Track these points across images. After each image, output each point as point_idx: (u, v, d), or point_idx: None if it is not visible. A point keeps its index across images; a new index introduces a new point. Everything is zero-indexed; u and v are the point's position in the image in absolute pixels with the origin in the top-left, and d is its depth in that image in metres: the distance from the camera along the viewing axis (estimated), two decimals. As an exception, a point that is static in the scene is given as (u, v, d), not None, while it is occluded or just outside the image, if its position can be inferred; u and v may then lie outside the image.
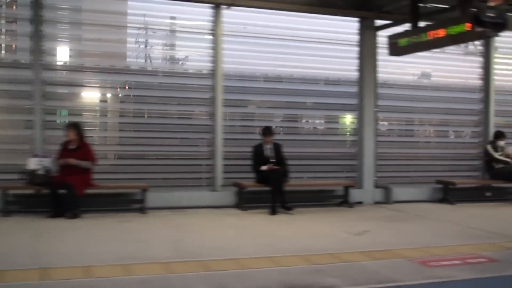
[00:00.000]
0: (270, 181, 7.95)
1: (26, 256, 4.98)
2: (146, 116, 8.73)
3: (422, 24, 7.93)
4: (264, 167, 8.14)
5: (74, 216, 7.05)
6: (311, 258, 5.12)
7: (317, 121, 9.91)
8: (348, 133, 9.66)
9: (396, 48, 8.23)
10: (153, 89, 8.51)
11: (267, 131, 8.31)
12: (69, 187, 7.08)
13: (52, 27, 7.91)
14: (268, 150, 8.32)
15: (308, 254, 5.29)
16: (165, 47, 8.83)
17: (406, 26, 8.49)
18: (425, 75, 10.44)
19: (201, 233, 6.42)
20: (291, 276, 4.47)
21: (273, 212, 7.84)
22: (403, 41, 8.08)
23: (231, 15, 8.39)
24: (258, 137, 8.52)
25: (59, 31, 8.19)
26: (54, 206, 7.13)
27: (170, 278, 4.35)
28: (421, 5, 7.96)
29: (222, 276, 4.43)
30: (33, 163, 7.38)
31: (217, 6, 8.30)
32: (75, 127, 7.39)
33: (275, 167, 8.11)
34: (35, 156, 7.49)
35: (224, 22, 8.39)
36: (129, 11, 8.63)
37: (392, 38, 8.26)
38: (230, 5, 8.19)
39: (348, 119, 9.60)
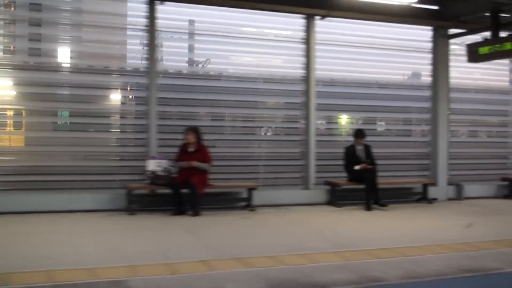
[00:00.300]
0: (365, 180, 8.54)
1: (206, 249, 5.53)
2: (250, 120, 9.32)
3: (503, 34, 8.63)
4: (357, 167, 8.74)
5: (196, 214, 7.55)
6: (454, 247, 5.73)
7: (392, 123, 10.49)
8: (421, 134, 10.33)
9: (476, 55, 8.91)
10: (257, 95, 9.12)
11: (359, 133, 8.91)
12: (192, 186, 7.60)
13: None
14: (360, 151, 8.92)
15: (446, 243, 5.90)
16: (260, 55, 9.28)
17: (481, 35, 9.26)
18: (492, 80, 11.11)
19: (333, 227, 6.99)
20: (464, 261, 5.04)
21: (368, 208, 8.44)
22: (484, 49, 8.76)
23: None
24: (346, 138, 9.15)
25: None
26: (177, 205, 7.65)
27: (369, 263, 4.91)
28: (502, 15, 8.66)
29: (405, 262, 4.97)
30: (152, 165, 7.90)
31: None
32: (194, 130, 7.90)
33: (369, 166, 8.71)
34: (153, 158, 8.01)
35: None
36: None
37: (472, 47, 8.93)
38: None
39: (422, 121, 10.26)
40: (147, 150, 8.20)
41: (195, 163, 7.75)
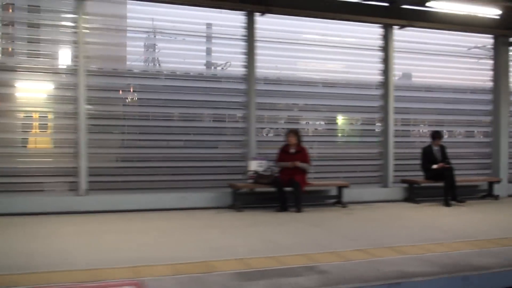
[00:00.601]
0: (444, 178, 9.22)
1: (348, 240, 6.16)
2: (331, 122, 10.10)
3: None
4: (435, 166, 9.42)
5: (299, 210, 8.16)
6: None
7: (457, 125, 11.14)
8: (483, 135, 11.06)
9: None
10: (339, 99, 9.78)
11: (437, 135, 9.59)
12: (296, 185, 8.22)
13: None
14: (436, 151, 9.61)
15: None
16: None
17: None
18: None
19: (433, 220, 7.67)
20: None
21: (447, 204, 9.10)
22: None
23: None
24: (421, 139, 9.85)
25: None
26: (281, 202, 8.26)
27: (503, 250, 5.56)
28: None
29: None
30: (254, 165, 8.52)
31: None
32: (296, 133, 8.53)
33: (447, 165, 9.40)
34: (254, 159, 8.62)
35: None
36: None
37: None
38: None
39: (484, 123, 10.97)
40: (247, 152, 8.83)
41: (299, 163, 8.37)
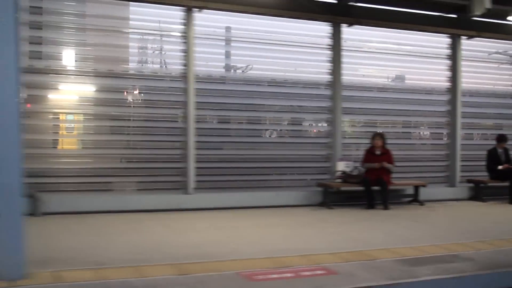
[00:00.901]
0: (509, 178, 9.94)
1: (465, 233, 6.79)
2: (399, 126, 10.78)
3: None
4: (500, 167, 10.13)
5: (386, 207, 8.81)
6: None
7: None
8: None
9: None
10: (412, 104, 10.48)
11: (502, 138, 10.32)
12: (384, 184, 8.88)
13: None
14: (500, 153, 10.33)
15: None
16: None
17: None
18: None
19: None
20: None
21: (512, 202, 9.87)
22: None
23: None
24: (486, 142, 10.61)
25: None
26: (369, 200, 8.90)
27: None
28: None
29: None
30: (341, 166, 9.17)
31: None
32: (381, 136, 9.20)
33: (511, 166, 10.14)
34: (341, 160, 9.26)
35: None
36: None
37: None
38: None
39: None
40: (331, 153, 9.47)
41: (386, 164, 9.03)
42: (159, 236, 6.42)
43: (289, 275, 4.64)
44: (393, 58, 10.18)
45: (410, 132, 10.90)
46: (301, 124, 9.90)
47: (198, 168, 8.52)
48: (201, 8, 8.35)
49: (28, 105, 8.05)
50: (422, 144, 10.96)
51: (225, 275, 4.56)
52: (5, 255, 4.19)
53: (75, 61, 8.46)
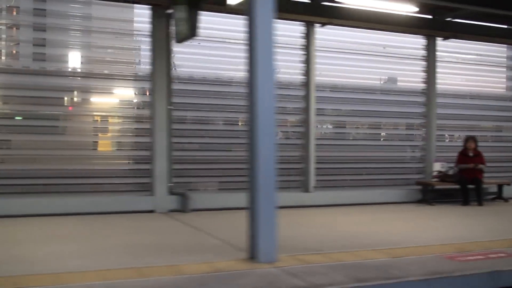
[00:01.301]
0: None
1: None
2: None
3: None
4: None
5: (480, 204, 9.75)
6: None
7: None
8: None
9: None
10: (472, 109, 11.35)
11: None
12: (479, 182, 9.83)
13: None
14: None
15: None
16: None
17: None
18: None
19: None
20: None
21: None
22: None
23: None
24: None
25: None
26: (465, 197, 9.84)
27: None
28: None
29: None
30: (437, 166, 10.12)
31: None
32: (474, 139, 10.16)
33: None
34: (437, 161, 10.21)
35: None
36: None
37: None
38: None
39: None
40: (425, 155, 10.42)
41: (479, 165, 9.99)
42: (340, 228, 7.27)
43: (480, 257, 5.52)
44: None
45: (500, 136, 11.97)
46: (401, 128, 10.85)
47: (317, 168, 9.41)
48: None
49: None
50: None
51: (432, 257, 5.41)
52: (265, 241, 5.00)
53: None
